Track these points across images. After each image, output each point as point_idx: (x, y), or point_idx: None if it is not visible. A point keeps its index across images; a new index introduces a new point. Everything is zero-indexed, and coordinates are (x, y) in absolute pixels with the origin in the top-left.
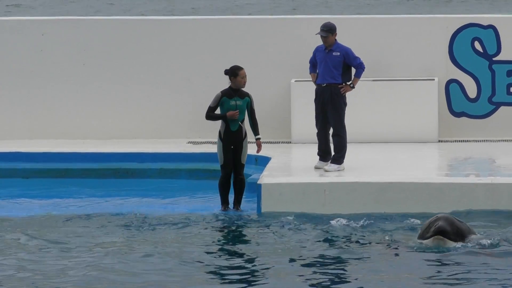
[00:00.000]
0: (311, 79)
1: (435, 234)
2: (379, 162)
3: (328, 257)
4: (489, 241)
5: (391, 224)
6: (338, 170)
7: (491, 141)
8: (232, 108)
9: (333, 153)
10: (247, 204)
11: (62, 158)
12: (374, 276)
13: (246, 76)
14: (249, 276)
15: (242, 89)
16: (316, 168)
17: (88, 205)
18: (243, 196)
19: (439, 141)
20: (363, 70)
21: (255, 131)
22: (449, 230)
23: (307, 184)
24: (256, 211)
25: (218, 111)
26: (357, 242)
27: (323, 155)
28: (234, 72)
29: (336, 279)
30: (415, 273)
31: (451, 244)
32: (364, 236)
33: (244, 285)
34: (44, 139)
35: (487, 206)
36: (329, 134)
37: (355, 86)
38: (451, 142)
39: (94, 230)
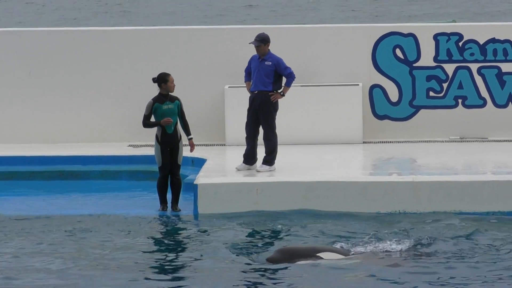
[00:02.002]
0: (244, 85)
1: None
2: (308, 162)
3: (261, 255)
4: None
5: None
6: (270, 171)
7: (412, 142)
8: (166, 112)
9: (264, 155)
10: (184, 204)
11: (10, 161)
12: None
13: (174, 80)
14: (185, 275)
15: (171, 93)
16: (237, 169)
17: (34, 206)
18: (180, 196)
19: (363, 142)
20: (293, 79)
21: (187, 131)
22: (277, 260)
23: (241, 184)
24: (193, 210)
25: (152, 118)
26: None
27: (247, 159)
28: (163, 79)
29: (263, 278)
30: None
31: None
32: (295, 234)
33: (179, 284)
34: None
35: (408, 203)
36: (257, 140)
37: (286, 94)
38: (374, 143)
39: (39, 231)
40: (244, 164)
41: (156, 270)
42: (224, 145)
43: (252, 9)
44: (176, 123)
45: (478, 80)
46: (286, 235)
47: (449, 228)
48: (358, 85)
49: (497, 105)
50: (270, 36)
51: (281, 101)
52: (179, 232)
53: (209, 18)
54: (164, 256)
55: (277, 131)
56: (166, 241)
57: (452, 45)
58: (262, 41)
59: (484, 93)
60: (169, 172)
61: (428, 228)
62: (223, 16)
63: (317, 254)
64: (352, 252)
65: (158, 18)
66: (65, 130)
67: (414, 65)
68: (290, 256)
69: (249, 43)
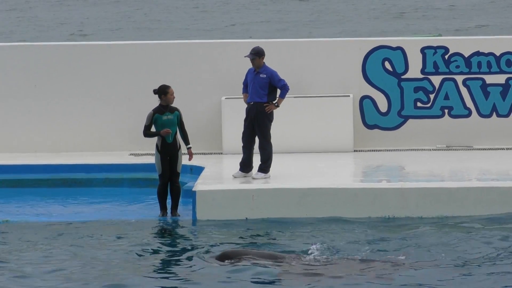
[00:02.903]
0: (240, 97)
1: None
2: (302, 170)
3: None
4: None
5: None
6: (265, 178)
7: (400, 150)
8: (166, 123)
9: (259, 163)
10: (183, 209)
11: (16, 169)
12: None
13: (173, 93)
14: (183, 277)
15: (171, 104)
16: (234, 176)
17: (39, 213)
18: (180, 202)
19: (354, 150)
20: (287, 91)
21: (186, 141)
22: (222, 259)
23: (237, 190)
24: (191, 216)
25: (153, 128)
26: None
27: (243, 167)
28: (164, 91)
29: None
30: None
31: None
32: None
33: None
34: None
35: (397, 208)
36: (253, 149)
37: (280, 105)
38: (365, 151)
39: (43, 237)
40: (240, 172)
41: (156, 273)
42: (221, 153)
43: (250, 25)
44: (176, 133)
45: (464, 91)
46: (278, 240)
47: (433, 232)
48: (349, 96)
49: (481, 115)
50: (265, 49)
51: (276, 112)
52: (178, 236)
53: (208, 32)
54: (164, 259)
55: (272, 140)
56: (165, 245)
57: (438, 58)
58: (256, 54)
59: (469, 103)
60: (169, 180)
61: (407, 235)
62: (223, 30)
63: (257, 258)
64: (295, 260)
65: (163, 33)
66: (69, 139)
67: (402, 77)
68: (234, 257)
69: (245, 57)
